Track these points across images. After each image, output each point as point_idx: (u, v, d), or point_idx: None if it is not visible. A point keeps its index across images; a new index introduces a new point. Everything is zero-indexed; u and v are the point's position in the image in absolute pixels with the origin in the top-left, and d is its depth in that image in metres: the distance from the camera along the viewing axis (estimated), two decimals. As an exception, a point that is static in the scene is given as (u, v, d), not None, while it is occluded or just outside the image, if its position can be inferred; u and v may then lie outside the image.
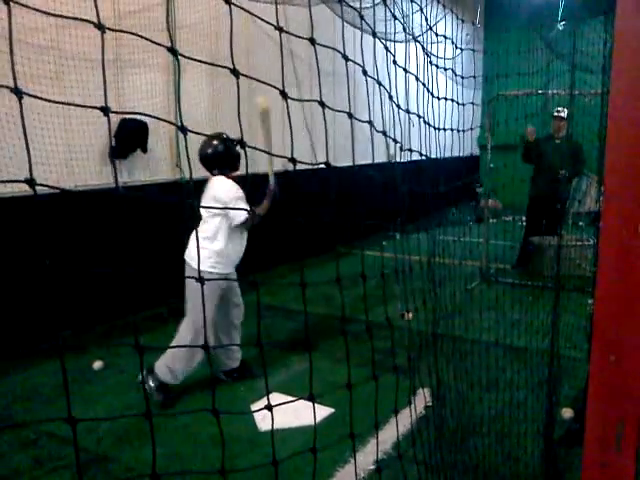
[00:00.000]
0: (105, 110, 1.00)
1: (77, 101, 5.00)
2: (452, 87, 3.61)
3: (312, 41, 1.42)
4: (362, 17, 1.71)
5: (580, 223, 7.90)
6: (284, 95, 1.37)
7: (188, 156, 1.34)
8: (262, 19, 1.46)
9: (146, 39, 1.11)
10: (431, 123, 2.62)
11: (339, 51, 1.61)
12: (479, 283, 7.03)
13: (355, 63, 1.65)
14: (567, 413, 3.56)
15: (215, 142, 3.93)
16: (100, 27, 0.96)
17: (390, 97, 2.01)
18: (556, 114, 7.44)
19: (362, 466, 3.14)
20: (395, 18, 2.22)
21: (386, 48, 2.04)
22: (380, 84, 1.86)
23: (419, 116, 2.41)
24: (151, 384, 3.94)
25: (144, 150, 5.77)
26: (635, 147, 1.19)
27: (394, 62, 2.08)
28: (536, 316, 4.41)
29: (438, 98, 2.65)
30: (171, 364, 3.92)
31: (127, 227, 5.57)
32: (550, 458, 2.85)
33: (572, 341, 4.11)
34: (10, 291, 4.72)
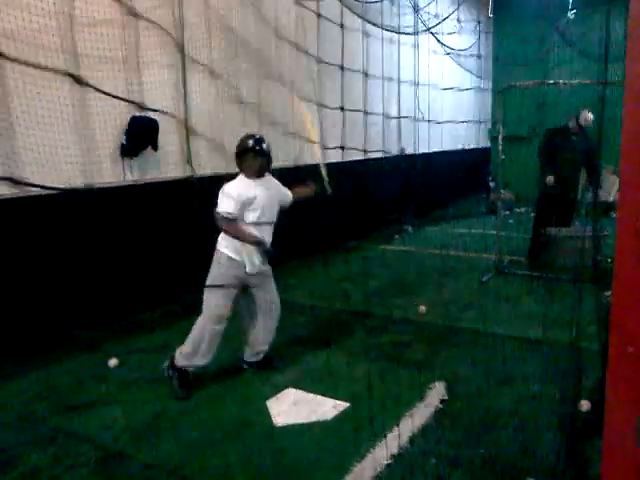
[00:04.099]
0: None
1: (91, 98, 5.05)
2: (467, 78, 3.57)
3: (342, 27, 1.41)
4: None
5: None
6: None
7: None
8: None
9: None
10: (443, 115, 2.61)
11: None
12: (493, 275, 6.99)
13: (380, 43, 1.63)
14: (584, 405, 3.53)
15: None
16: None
17: (416, 84, 1.99)
18: (582, 121, 7.21)
19: (378, 460, 3.13)
20: (415, 10, 2.20)
21: (423, 30, 2.01)
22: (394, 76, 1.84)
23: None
24: (170, 372, 4.08)
25: (155, 148, 5.79)
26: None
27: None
28: (551, 308, 4.38)
29: (463, 88, 2.62)
30: (185, 348, 4.07)
31: (140, 224, 5.60)
32: (568, 451, 2.83)
33: (588, 333, 4.07)
34: (27, 290, 4.76)
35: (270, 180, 4.23)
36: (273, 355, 4.47)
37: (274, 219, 4.20)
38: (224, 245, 4.04)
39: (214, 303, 4.04)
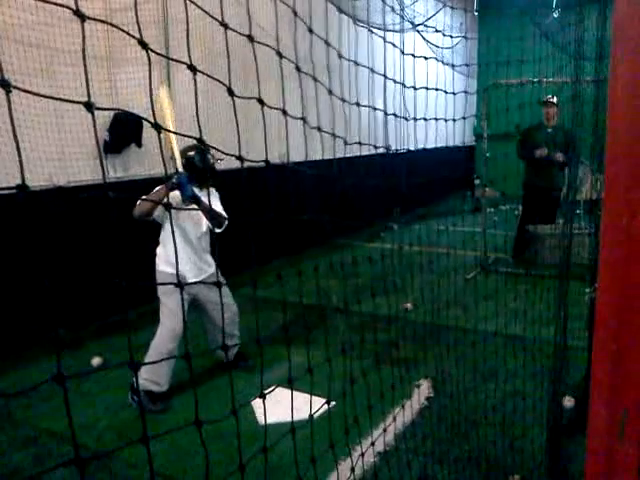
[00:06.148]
0: (89, 105, 0.98)
1: (68, 96, 4.97)
2: (450, 76, 3.58)
3: (250, 38, 1.39)
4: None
5: (577, 211, 7.91)
6: (230, 93, 1.35)
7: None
8: None
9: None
10: (429, 113, 2.61)
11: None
12: (478, 273, 7.02)
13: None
14: (568, 402, 3.56)
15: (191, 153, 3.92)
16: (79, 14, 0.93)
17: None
18: (546, 100, 7.37)
19: (364, 458, 3.13)
20: (401, 8, 2.19)
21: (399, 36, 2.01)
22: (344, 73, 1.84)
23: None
24: (137, 399, 3.88)
25: (138, 144, 5.73)
26: (636, 133, 1.17)
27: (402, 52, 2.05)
28: (536, 305, 4.41)
29: (441, 88, 2.63)
30: (145, 374, 3.85)
31: (123, 221, 5.54)
32: (553, 447, 2.85)
33: (572, 329, 4.10)
34: (7, 289, 4.69)
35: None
36: (247, 355, 4.50)
37: (199, 234, 4.03)
38: (159, 263, 3.98)
39: (172, 320, 3.88)
